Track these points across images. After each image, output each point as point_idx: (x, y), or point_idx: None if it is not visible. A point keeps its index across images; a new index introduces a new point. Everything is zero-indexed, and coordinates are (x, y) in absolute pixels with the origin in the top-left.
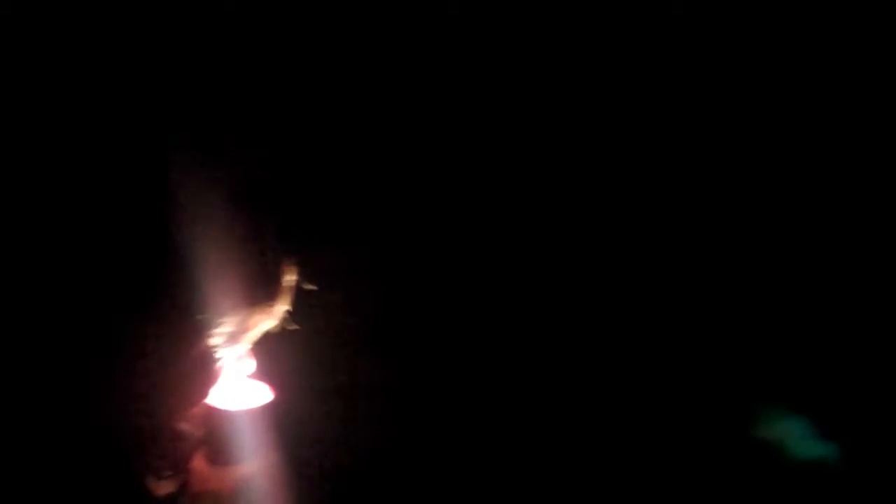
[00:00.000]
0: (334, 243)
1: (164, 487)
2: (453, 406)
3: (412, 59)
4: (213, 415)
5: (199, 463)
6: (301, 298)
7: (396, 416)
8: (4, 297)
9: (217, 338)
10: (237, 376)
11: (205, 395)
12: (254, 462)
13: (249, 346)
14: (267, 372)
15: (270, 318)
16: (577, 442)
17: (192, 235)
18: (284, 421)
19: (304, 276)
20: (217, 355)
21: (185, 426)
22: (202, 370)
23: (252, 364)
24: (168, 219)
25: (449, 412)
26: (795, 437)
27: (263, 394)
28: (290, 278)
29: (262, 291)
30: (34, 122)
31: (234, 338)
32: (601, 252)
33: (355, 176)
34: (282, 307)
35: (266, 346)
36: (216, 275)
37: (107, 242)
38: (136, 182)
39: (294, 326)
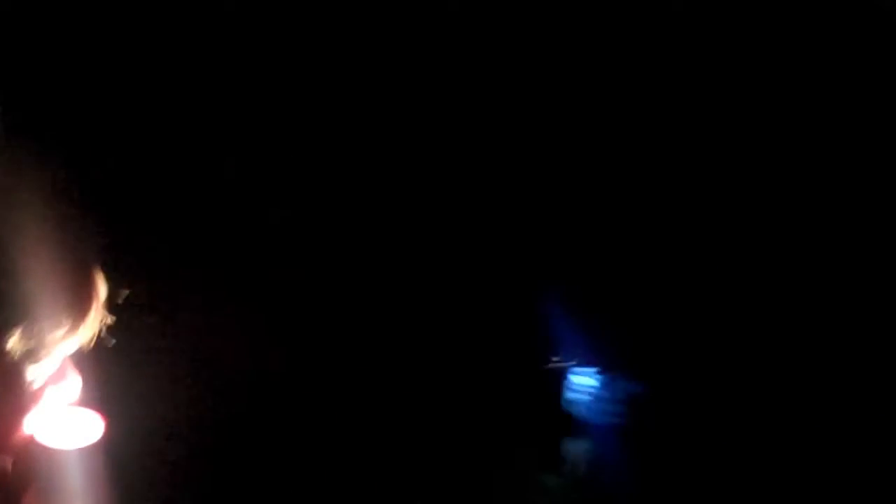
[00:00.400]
0: (159, 258)
1: None
2: (291, 431)
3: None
4: (37, 450)
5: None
6: (121, 313)
7: (233, 448)
8: None
9: (21, 351)
10: (60, 402)
11: (20, 422)
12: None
13: (69, 366)
14: (93, 397)
15: (83, 332)
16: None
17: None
18: (116, 455)
19: (122, 287)
20: (29, 374)
21: (6, 458)
22: (11, 391)
23: (76, 385)
24: None
25: (287, 437)
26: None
27: (93, 426)
28: (103, 288)
29: (73, 301)
30: None
31: (40, 352)
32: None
33: (191, 193)
34: (96, 320)
35: (90, 368)
36: (22, 275)
37: None
38: None
39: (111, 342)
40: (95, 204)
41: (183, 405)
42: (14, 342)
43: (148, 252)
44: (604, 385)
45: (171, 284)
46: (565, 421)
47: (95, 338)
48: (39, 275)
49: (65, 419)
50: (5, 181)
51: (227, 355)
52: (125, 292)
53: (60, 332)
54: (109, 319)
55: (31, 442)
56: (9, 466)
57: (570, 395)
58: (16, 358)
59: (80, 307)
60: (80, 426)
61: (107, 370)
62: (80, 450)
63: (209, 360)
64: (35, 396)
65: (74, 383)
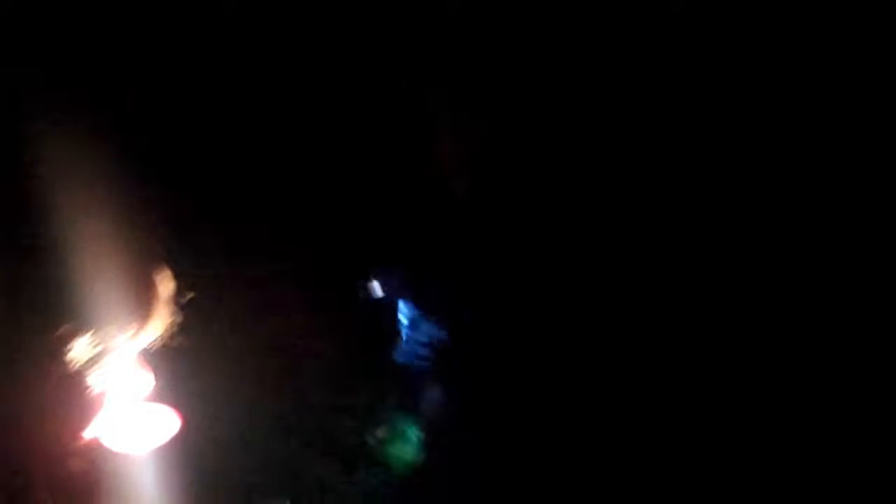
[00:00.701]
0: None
1: None
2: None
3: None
4: (108, 453)
5: None
6: (190, 311)
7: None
8: None
9: (87, 352)
10: (131, 402)
11: (89, 424)
12: None
13: (141, 365)
14: (168, 395)
15: (149, 334)
16: None
17: (61, 232)
18: (191, 454)
19: (188, 286)
20: (94, 379)
21: (74, 462)
22: (78, 393)
23: (147, 385)
24: (30, 212)
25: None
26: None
27: (166, 424)
28: (169, 287)
29: (136, 305)
30: None
31: (104, 357)
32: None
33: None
34: (162, 321)
35: (162, 366)
36: (86, 280)
37: None
38: None
39: (181, 341)
40: (156, 197)
41: (258, 401)
42: (78, 350)
43: (214, 243)
44: (412, 327)
45: (239, 277)
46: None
47: (164, 337)
48: (102, 280)
49: (134, 421)
50: (65, 186)
51: (302, 347)
52: (190, 293)
53: (125, 336)
54: (177, 318)
55: (97, 445)
56: (76, 470)
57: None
58: (80, 365)
59: (144, 311)
60: (151, 426)
61: (180, 367)
62: (150, 451)
63: (286, 353)
64: (101, 400)
65: (146, 383)
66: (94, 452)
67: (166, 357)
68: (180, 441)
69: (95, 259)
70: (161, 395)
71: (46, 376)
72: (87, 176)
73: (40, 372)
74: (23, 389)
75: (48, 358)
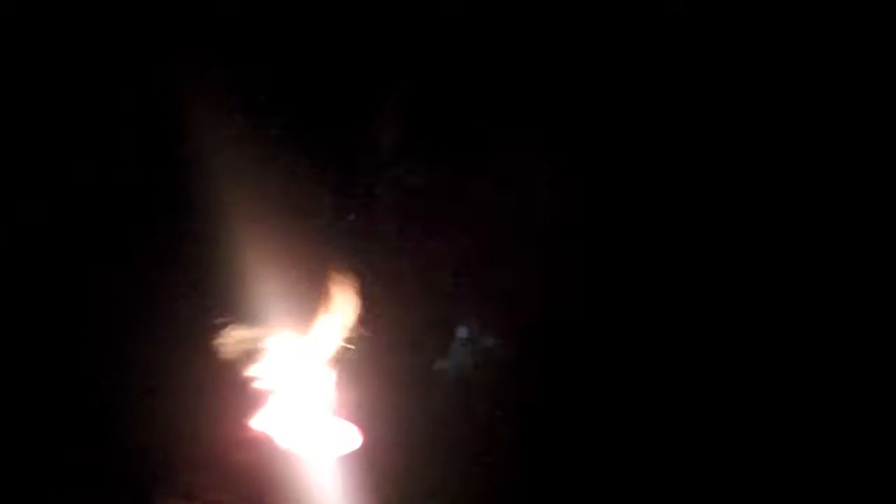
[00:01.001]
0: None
1: None
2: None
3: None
4: (281, 453)
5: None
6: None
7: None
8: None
9: (237, 350)
10: (314, 410)
11: (249, 419)
12: None
13: (324, 376)
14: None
15: (317, 338)
16: None
17: (234, 230)
18: (374, 469)
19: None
20: (249, 372)
21: (240, 454)
22: (239, 384)
23: (330, 395)
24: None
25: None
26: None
27: (347, 437)
28: (345, 290)
29: (302, 306)
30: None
31: (259, 352)
32: None
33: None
34: (340, 320)
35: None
36: (259, 277)
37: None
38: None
39: (358, 343)
40: (342, 202)
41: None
42: (229, 340)
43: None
44: None
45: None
46: None
47: (342, 347)
48: (267, 278)
49: (317, 428)
50: (243, 186)
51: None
52: (364, 305)
53: (283, 335)
54: (355, 328)
55: (268, 441)
56: (242, 461)
57: None
58: (232, 355)
59: (309, 312)
60: (333, 436)
61: (368, 382)
62: (331, 459)
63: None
64: (266, 395)
65: (329, 393)
66: (263, 448)
67: (355, 372)
68: (360, 456)
69: (270, 259)
70: (348, 410)
71: (207, 365)
72: (271, 179)
73: (201, 360)
74: (184, 378)
75: (209, 347)
